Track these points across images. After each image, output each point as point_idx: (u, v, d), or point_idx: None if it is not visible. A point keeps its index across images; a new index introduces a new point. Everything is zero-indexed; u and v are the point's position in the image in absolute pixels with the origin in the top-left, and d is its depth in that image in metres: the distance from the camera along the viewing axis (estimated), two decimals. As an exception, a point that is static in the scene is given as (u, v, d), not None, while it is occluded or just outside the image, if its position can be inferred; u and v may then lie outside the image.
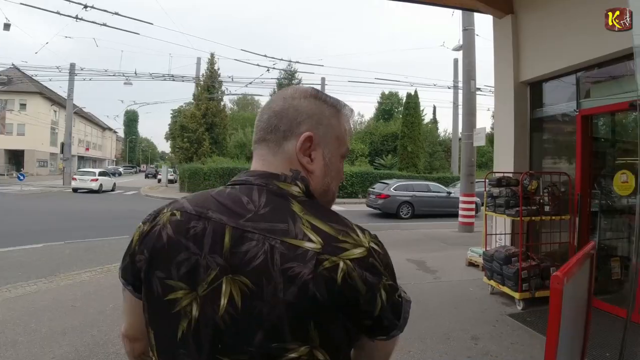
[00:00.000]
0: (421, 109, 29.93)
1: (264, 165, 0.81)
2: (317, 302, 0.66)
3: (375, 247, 0.73)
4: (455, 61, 22.81)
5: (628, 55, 4.38)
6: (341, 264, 0.68)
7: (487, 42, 7.88)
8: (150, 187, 30.35)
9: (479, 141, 11.36)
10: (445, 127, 50.14)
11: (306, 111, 0.81)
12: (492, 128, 30.17)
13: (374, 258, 0.71)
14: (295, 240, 0.69)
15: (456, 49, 16.43)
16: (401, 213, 15.35)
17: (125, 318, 0.89)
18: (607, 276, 4.93)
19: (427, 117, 34.89)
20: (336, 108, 0.86)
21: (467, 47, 12.31)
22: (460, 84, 15.02)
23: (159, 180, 36.85)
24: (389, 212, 15.43)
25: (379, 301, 0.70)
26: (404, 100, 30.71)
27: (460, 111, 19.58)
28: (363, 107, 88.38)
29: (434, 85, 33.76)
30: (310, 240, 0.69)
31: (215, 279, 0.70)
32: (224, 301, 0.69)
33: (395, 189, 15.78)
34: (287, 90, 0.86)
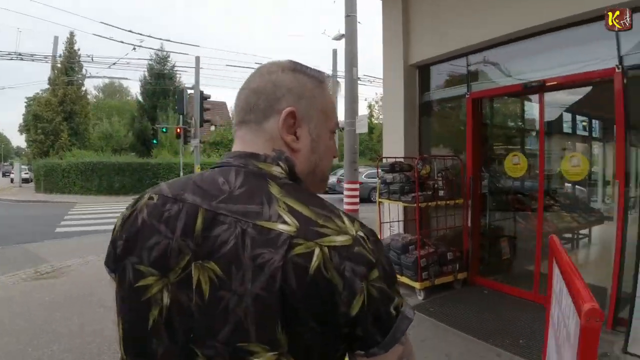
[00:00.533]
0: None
1: (245, 146, 0.75)
2: (285, 296, 0.58)
3: (365, 237, 0.63)
4: (335, 51, 23.11)
5: (519, 38, 4.41)
6: (317, 251, 0.59)
7: (368, 31, 7.72)
8: (1, 188, 25.72)
9: (362, 128, 11.43)
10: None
11: (285, 85, 0.75)
12: (371, 117, 31.93)
13: (361, 247, 0.62)
14: (269, 222, 0.62)
15: (337, 38, 16.48)
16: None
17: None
18: (498, 257, 5.04)
19: (305, 107, 35.25)
20: (318, 79, 0.79)
21: (350, 34, 12.16)
22: (340, 73, 15.03)
23: (12, 180, 32.06)
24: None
25: (358, 302, 0.59)
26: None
27: (343, 101, 20.03)
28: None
29: (315, 73, 34.19)
30: (284, 222, 0.62)
31: (188, 264, 0.64)
32: (194, 289, 0.63)
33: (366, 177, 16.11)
34: (264, 66, 0.79)
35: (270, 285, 0.58)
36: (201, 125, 11.51)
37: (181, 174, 18.75)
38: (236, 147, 0.76)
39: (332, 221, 0.63)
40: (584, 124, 5.23)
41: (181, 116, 14.37)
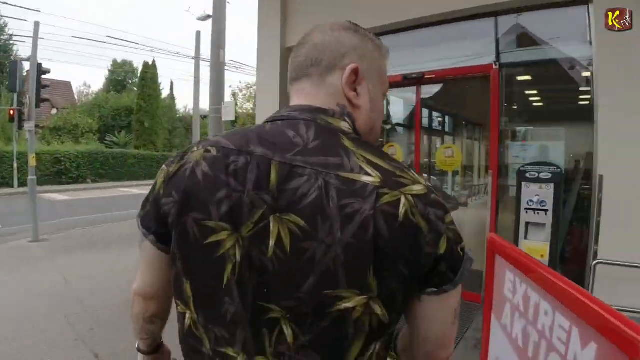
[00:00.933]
0: (159, 81, 27.49)
1: (307, 99, 0.76)
2: (377, 242, 0.62)
3: (431, 186, 0.68)
4: (198, 33, 21.53)
5: (404, 29, 4.35)
6: (402, 199, 0.63)
7: (236, 14, 7.14)
8: None
9: (228, 115, 10.82)
10: (185, 103, 48.19)
11: (350, 43, 0.76)
12: (235, 105, 31.17)
13: (435, 195, 0.67)
14: (352, 174, 0.64)
15: (201, 19, 15.29)
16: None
17: (139, 274, 0.83)
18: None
19: (165, 92, 32.35)
20: (376, 43, 0.81)
21: (218, 13, 11.29)
22: (204, 56, 14.01)
23: None
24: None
25: (444, 243, 0.65)
26: (139, 71, 27.38)
27: (204, 87, 18.61)
28: (90, 76, 74.98)
29: (177, 53, 31.54)
30: (367, 174, 0.65)
31: (262, 218, 0.65)
32: (271, 242, 0.64)
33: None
34: (323, 25, 0.79)
35: (362, 234, 0.61)
36: (37, 106, 9.36)
37: (15, 165, 15.53)
38: (297, 101, 0.76)
39: (406, 172, 0.67)
40: (457, 117, 5.49)
41: (15, 95, 11.62)
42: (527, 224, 3.27)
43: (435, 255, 0.63)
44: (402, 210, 0.62)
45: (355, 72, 0.74)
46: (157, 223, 0.74)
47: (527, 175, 3.27)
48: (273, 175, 0.65)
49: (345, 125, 0.72)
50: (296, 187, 0.64)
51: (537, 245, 3.20)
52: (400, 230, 0.61)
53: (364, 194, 0.62)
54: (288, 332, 0.64)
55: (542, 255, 3.15)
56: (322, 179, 0.63)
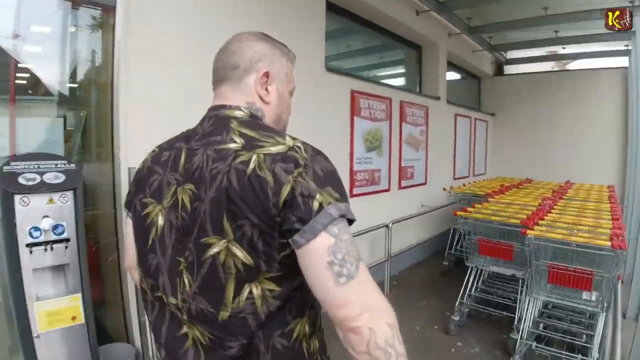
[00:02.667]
0: None
1: (223, 100, 0.94)
2: (229, 193, 0.75)
3: (301, 147, 0.80)
4: None
5: None
6: (254, 157, 0.77)
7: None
8: None
9: None
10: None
11: (262, 51, 0.94)
12: None
13: (294, 152, 0.78)
14: (224, 145, 0.82)
15: None
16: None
17: (127, 250, 1.04)
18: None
19: None
20: (283, 50, 0.99)
21: None
22: None
23: None
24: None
25: (285, 190, 0.74)
26: None
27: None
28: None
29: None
30: (234, 142, 0.82)
31: (175, 192, 0.85)
32: (179, 207, 0.83)
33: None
34: (241, 34, 0.96)
35: (219, 186, 0.76)
36: None
37: None
38: (215, 102, 0.95)
39: (273, 138, 0.81)
40: None
41: None
42: (35, 272, 1.69)
43: (278, 204, 0.73)
44: (251, 166, 0.75)
45: (267, 74, 0.94)
46: (129, 204, 0.99)
47: (22, 180, 1.64)
48: (182, 160, 0.87)
49: (239, 113, 0.90)
50: (191, 163, 0.83)
51: (62, 305, 1.74)
52: (248, 183, 0.74)
53: (226, 157, 0.79)
54: (186, 281, 0.82)
55: (74, 318, 1.76)
56: (205, 153, 0.82)
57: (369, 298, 0.73)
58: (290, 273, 0.78)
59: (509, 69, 7.50)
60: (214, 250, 0.76)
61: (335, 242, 0.73)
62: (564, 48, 6.49)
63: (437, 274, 4.87)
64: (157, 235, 0.87)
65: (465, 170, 6.63)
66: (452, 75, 6.56)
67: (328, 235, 0.72)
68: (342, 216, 0.75)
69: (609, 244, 2.44)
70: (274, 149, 0.77)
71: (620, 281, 2.56)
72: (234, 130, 0.84)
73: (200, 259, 0.79)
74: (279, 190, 0.73)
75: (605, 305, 2.61)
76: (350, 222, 0.78)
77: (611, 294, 2.56)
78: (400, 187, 4.87)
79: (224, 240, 0.76)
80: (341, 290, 0.71)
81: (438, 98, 5.60)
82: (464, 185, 5.42)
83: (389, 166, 4.61)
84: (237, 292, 0.77)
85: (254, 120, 0.89)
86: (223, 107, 0.92)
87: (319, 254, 0.72)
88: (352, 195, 4.03)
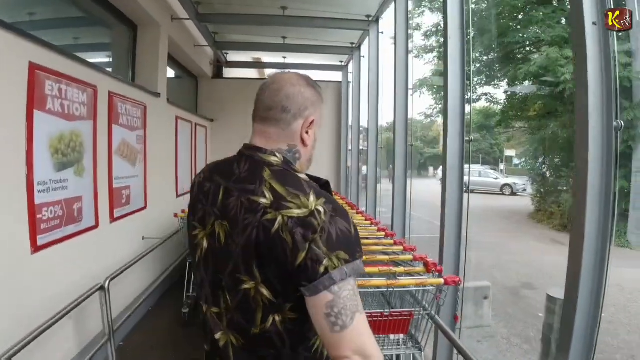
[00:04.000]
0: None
1: (258, 140, 1.04)
2: (257, 246, 0.90)
3: (321, 211, 0.90)
4: None
5: None
6: (279, 218, 0.89)
7: None
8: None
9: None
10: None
11: (310, 98, 1.03)
12: None
13: (313, 218, 0.89)
14: (256, 197, 0.93)
15: None
16: None
17: None
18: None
19: None
20: (321, 96, 1.07)
21: None
22: None
23: None
24: None
25: (301, 256, 0.87)
26: None
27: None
28: None
29: None
30: (264, 197, 0.92)
31: (214, 222, 0.99)
32: (216, 238, 0.98)
33: None
34: (293, 77, 1.04)
35: (249, 238, 0.90)
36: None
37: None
38: (254, 139, 1.05)
39: (299, 198, 0.91)
40: None
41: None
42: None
43: (294, 264, 0.87)
44: (276, 226, 0.88)
45: (312, 122, 1.04)
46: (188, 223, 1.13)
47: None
48: (220, 196, 1.00)
49: (273, 159, 1.00)
50: (228, 203, 0.97)
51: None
52: (273, 241, 0.88)
53: (257, 211, 0.91)
54: (225, 297, 0.98)
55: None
56: (240, 200, 0.95)
57: (359, 344, 0.86)
58: (305, 306, 0.90)
59: (228, 72, 6.90)
60: (246, 286, 0.92)
61: (333, 298, 0.86)
62: (284, 58, 6.39)
63: (175, 326, 3.66)
64: (202, 255, 1.02)
65: (188, 185, 5.55)
66: (169, 72, 5.35)
67: (328, 293, 0.86)
68: (348, 276, 0.87)
69: (442, 280, 2.00)
70: (297, 213, 0.88)
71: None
72: (266, 182, 0.94)
73: (235, 287, 0.94)
74: (296, 255, 0.86)
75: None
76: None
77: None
78: (114, 219, 3.34)
79: (253, 282, 0.91)
80: (334, 337, 0.86)
81: (158, 95, 4.31)
82: (194, 206, 4.35)
83: (95, 190, 3.02)
84: (264, 319, 0.93)
85: (284, 170, 0.98)
86: (259, 150, 1.01)
87: (319, 306, 0.87)
88: (38, 250, 2.31)
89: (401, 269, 2.25)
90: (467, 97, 2.75)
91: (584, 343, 1.65)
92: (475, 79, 14.48)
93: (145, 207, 4.02)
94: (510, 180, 17.33)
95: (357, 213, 3.92)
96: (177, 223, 3.91)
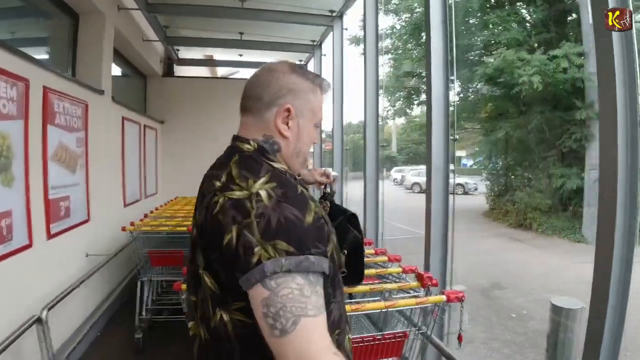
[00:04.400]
0: None
1: (241, 130, 0.99)
2: (202, 228, 0.88)
3: (263, 194, 0.83)
4: None
5: None
6: (221, 200, 0.84)
7: None
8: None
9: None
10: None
11: (288, 85, 0.95)
12: None
13: (249, 200, 0.82)
14: (215, 181, 0.90)
15: None
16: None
17: None
18: None
19: None
20: (314, 84, 0.98)
21: None
22: None
23: None
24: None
25: (226, 238, 0.80)
26: None
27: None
28: None
29: None
30: (219, 179, 0.89)
31: (195, 213, 0.97)
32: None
33: None
34: (274, 64, 0.98)
35: (198, 221, 0.89)
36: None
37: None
38: (239, 131, 1.00)
39: (246, 181, 0.85)
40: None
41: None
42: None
43: (223, 248, 0.80)
44: (217, 208, 0.83)
45: (288, 110, 0.95)
46: None
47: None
48: (201, 185, 0.98)
49: (247, 147, 0.95)
50: (202, 190, 0.95)
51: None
52: (212, 222, 0.83)
53: (209, 193, 0.88)
54: (194, 294, 0.94)
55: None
56: (206, 184, 0.93)
57: (302, 354, 0.73)
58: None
59: (180, 70, 6.43)
60: (200, 271, 0.88)
61: (269, 295, 0.75)
62: (240, 55, 6.03)
63: (128, 353, 3.24)
64: (191, 243, 0.96)
65: (137, 193, 5.04)
66: (115, 69, 4.84)
67: (263, 288, 0.76)
68: (289, 271, 0.76)
69: (444, 298, 1.77)
70: (237, 195, 0.83)
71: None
72: (229, 167, 0.90)
73: (197, 274, 0.89)
74: (223, 236, 0.80)
75: None
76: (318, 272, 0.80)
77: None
78: (51, 236, 2.86)
79: (200, 266, 0.88)
80: (276, 343, 0.75)
81: (102, 92, 3.82)
82: (145, 216, 3.93)
83: (27, 203, 2.55)
84: (213, 311, 0.86)
85: (251, 157, 0.93)
86: (238, 138, 0.98)
87: (256, 304, 0.77)
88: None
89: (393, 285, 2.04)
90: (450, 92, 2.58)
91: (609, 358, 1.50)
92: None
93: (88, 220, 3.52)
94: (462, 179, 17.82)
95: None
96: (126, 237, 3.46)
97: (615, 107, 1.42)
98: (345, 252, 1.47)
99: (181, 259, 3.31)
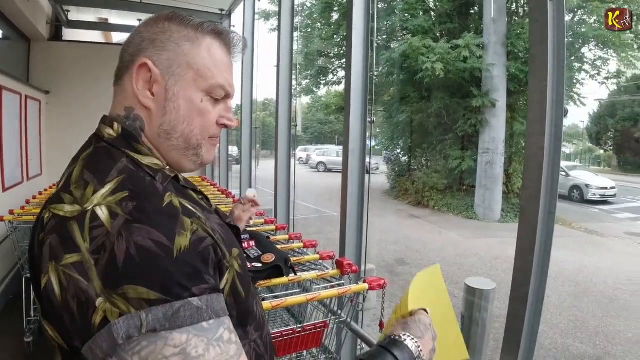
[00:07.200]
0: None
1: (112, 106, 0.71)
2: (32, 249, 0.60)
3: (103, 212, 0.54)
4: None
5: None
6: (46, 215, 0.58)
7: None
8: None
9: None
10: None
11: (152, 36, 0.67)
12: None
13: (76, 223, 0.54)
14: (61, 181, 0.63)
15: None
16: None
17: None
18: None
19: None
20: (195, 31, 0.68)
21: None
22: None
23: None
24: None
25: (44, 282, 0.53)
26: None
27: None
28: None
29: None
30: (59, 185, 0.62)
31: None
32: None
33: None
34: (154, 15, 0.71)
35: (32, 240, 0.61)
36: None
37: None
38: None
39: (86, 189, 0.57)
40: None
41: None
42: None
43: (41, 294, 0.54)
44: (39, 229, 0.57)
45: (146, 68, 0.65)
46: None
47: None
48: None
49: (107, 132, 0.66)
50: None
51: None
52: (38, 247, 0.56)
53: (50, 200, 0.60)
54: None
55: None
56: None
57: None
58: None
59: (70, 34, 5.61)
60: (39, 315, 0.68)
61: None
62: (139, 20, 5.40)
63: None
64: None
65: (18, 175, 4.34)
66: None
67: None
68: (153, 330, 0.49)
69: (366, 286, 1.74)
70: (65, 211, 0.55)
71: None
72: (77, 164, 0.62)
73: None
74: (39, 278, 0.53)
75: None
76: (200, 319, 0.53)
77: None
78: None
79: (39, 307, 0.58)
80: None
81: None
82: (27, 202, 3.41)
83: None
84: None
85: (110, 148, 0.64)
86: (103, 119, 0.69)
87: None
88: None
89: (312, 274, 1.97)
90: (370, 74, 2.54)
91: (530, 340, 1.59)
92: (337, 63, 14.99)
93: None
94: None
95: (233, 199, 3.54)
96: (5, 227, 2.95)
97: (545, 98, 1.46)
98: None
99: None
